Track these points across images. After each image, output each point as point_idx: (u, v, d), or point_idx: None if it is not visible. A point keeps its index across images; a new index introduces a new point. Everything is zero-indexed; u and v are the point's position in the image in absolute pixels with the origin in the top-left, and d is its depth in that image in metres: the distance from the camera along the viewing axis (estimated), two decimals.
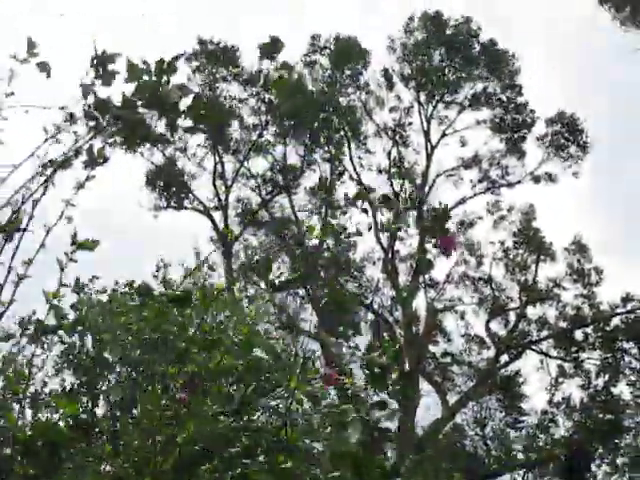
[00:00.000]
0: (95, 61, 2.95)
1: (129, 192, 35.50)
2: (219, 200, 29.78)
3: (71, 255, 4.30)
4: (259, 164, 30.52)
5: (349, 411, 3.81)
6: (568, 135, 30.82)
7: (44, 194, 3.02)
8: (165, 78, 2.99)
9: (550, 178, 30.90)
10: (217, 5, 45.68)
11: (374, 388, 3.66)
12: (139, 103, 3.02)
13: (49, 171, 3.02)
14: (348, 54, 29.83)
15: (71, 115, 2.95)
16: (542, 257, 31.26)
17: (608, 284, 30.97)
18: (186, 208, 29.91)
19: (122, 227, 32.37)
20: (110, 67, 3.01)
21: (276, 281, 3.67)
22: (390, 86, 30.91)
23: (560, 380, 31.32)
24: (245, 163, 30.07)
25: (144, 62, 2.96)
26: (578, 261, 31.25)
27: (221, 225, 29.48)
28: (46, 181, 3.00)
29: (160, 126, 28.90)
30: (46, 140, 2.96)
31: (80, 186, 3.12)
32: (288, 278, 3.68)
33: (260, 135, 29.75)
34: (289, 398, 3.67)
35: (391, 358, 3.59)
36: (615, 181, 44.29)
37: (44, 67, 3.05)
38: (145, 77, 2.99)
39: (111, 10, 39.70)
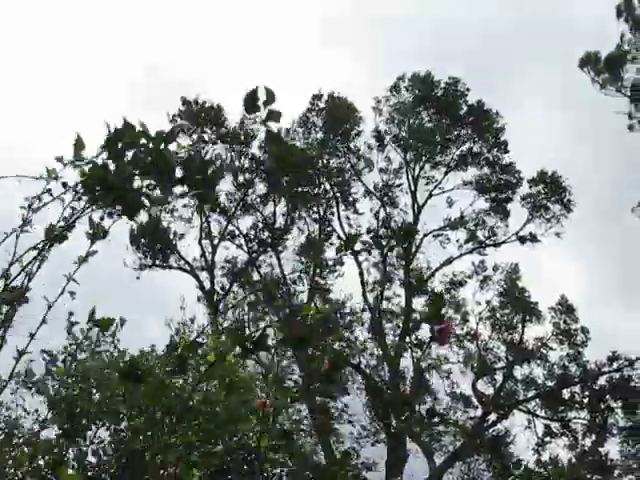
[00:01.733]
0: (108, 141, 2.91)
1: (110, 251, 35.39)
2: (205, 259, 29.81)
3: (87, 332, 4.33)
4: (246, 222, 30.68)
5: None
6: (550, 194, 31.10)
7: (39, 267, 2.98)
8: (163, 146, 2.97)
9: (534, 239, 31.12)
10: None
11: None
12: (136, 172, 2.98)
13: (42, 244, 2.97)
14: (340, 114, 30.13)
15: (64, 184, 2.94)
16: (528, 317, 31.33)
17: (595, 340, 31.10)
18: (171, 267, 29.88)
19: (106, 285, 32.19)
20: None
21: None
22: (382, 147, 31.22)
23: (547, 440, 31.21)
24: (233, 221, 30.16)
25: (142, 125, 2.94)
26: (564, 322, 31.34)
27: (207, 284, 29.47)
28: (39, 253, 2.99)
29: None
30: (30, 207, 2.96)
31: (82, 261, 3.11)
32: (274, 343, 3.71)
33: (246, 194, 29.90)
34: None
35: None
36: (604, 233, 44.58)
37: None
38: (143, 142, 2.96)
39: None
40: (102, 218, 3.07)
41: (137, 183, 2.97)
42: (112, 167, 2.92)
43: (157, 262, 29.81)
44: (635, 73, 28.38)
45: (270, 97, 2.93)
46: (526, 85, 46.95)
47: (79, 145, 2.94)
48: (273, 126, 3.02)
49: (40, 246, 2.96)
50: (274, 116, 2.95)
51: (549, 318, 31.39)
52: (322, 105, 30.90)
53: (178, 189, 3.20)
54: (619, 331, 37.57)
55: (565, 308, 31.38)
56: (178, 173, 3.09)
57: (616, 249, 44.32)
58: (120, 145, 2.90)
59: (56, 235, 2.95)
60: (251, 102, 2.93)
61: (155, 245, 29.56)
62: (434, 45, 44.32)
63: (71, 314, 11.15)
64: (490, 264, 31.71)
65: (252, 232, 30.32)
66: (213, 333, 27.52)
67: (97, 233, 3.01)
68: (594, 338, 31.10)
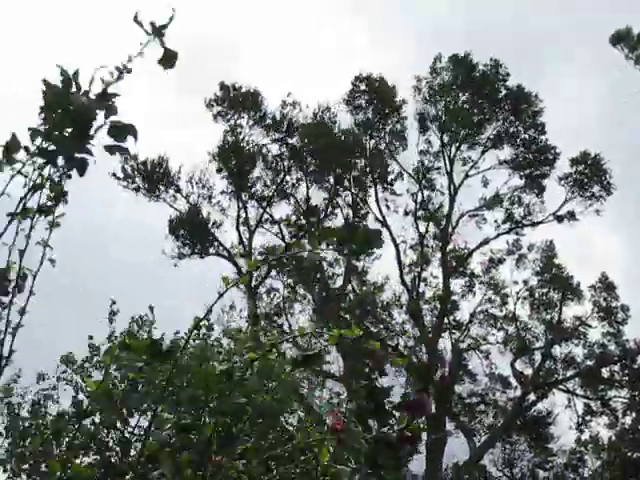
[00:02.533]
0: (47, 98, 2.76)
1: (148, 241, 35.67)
2: (243, 246, 30.02)
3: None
4: (282, 209, 30.84)
5: None
6: (591, 175, 30.89)
7: (27, 244, 2.94)
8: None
9: (572, 216, 30.95)
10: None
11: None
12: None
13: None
14: (383, 96, 30.12)
15: (26, 148, 2.79)
16: (567, 295, 31.20)
17: (635, 321, 30.89)
18: (210, 254, 30.11)
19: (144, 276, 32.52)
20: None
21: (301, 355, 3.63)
22: (424, 129, 31.22)
23: (587, 419, 31.15)
24: (268, 208, 30.35)
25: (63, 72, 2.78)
26: (604, 299, 31.16)
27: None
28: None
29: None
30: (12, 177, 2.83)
31: (53, 225, 3.04)
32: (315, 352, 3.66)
33: (283, 180, 30.04)
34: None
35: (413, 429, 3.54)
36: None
37: None
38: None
39: None
40: (60, 177, 2.89)
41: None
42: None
43: (196, 250, 30.05)
44: None
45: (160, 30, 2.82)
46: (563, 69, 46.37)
47: (13, 147, 2.80)
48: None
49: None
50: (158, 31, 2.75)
51: (589, 296, 31.20)
52: (363, 87, 30.88)
53: None
54: None
55: (605, 286, 31.17)
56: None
57: None
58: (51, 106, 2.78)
59: (40, 208, 2.93)
60: (168, 58, 2.84)
61: (194, 234, 29.77)
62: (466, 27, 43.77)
63: (113, 302, 11.17)
64: (526, 243, 31.66)
65: (291, 217, 30.43)
66: (251, 318, 27.78)
67: (57, 194, 2.97)
68: (635, 316, 30.91)
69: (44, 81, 2.74)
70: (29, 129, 2.77)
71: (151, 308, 14.04)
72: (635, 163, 36.43)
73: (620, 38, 28.66)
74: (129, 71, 2.78)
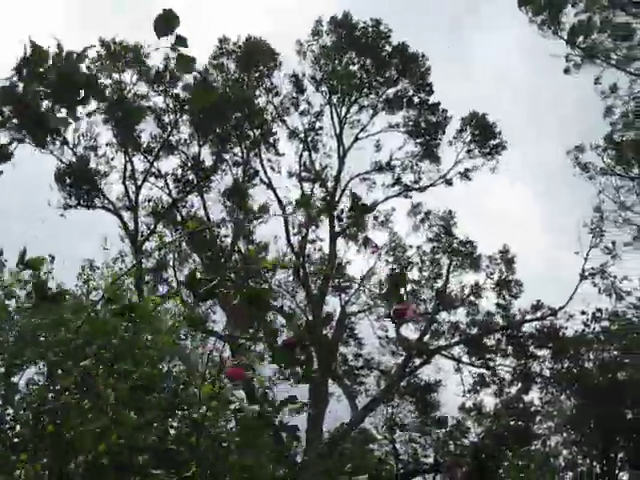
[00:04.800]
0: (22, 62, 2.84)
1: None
2: (129, 199, 29.72)
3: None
4: (169, 164, 30.52)
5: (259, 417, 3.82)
6: (481, 135, 31.00)
7: None
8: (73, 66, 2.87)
9: (466, 176, 31.08)
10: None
11: (279, 364, 3.59)
12: (41, 90, 2.90)
13: None
14: (257, 55, 29.91)
15: None
16: (459, 263, 31.30)
17: (527, 293, 31.05)
18: (96, 207, 29.76)
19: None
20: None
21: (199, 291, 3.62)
22: (300, 90, 31.06)
23: (477, 387, 31.36)
24: (155, 162, 30.04)
25: (58, 45, 2.87)
26: (500, 271, 31.28)
27: (130, 224, 29.38)
28: None
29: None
30: None
31: None
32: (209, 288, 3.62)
33: (170, 133, 29.75)
34: (202, 406, 3.63)
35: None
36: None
37: None
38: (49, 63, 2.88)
39: None
40: (10, 142, 2.99)
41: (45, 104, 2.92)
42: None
43: (81, 202, 29.69)
44: (574, 16, 28.09)
45: (175, 21, 2.90)
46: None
47: None
48: (183, 51, 2.99)
49: None
50: (182, 41, 2.94)
51: (484, 266, 31.32)
52: (231, 48, 30.59)
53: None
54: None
55: (504, 258, 31.24)
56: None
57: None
58: (29, 67, 2.84)
59: None
60: (162, 25, 2.89)
61: (80, 184, 29.41)
62: None
63: (0, 253, 11.15)
64: (424, 208, 31.65)
65: (177, 172, 30.19)
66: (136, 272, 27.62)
67: (2, 154, 2.94)
68: (527, 288, 31.12)
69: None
70: None
71: (52, 257, 13.97)
72: None
73: (527, 1, 28.59)
74: None
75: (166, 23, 2.95)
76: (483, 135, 30.84)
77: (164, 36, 2.92)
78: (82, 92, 2.95)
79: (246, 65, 30.02)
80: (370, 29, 30.45)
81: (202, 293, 3.63)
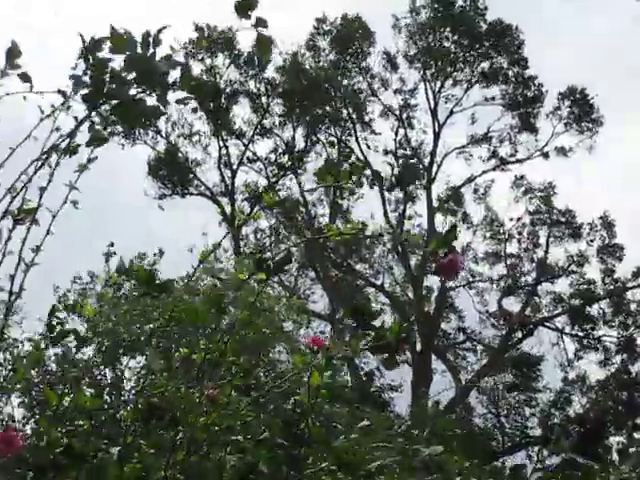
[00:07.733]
0: (85, 50, 2.82)
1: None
2: (225, 185, 29.85)
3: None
4: (264, 147, 30.53)
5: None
6: (580, 110, 30.35)
7: (50, 181, 2.97)
8: (152, 50, 2.85)
9: (563, 152, 30.53)
10: None
11: (385, 367, 3.53)
12: (130, 78, 2.87)
13: (53, 157, 2.93)
14: (353, 35, 29.62)
15: (64, 94, 2.85)
16: (564, 234, 30.79)
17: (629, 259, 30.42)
18: (191, 194, 29.95)
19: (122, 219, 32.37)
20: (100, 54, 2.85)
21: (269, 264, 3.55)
22: (394, 67, 30.71)
23: (579, 356, 30.99)
24: (250, 146, 30.06)
25: (126, 33, 2.81)
26: (601, 238, 30.73)
27: (229, 210, 29.48)
28: (44, 165, 2.94)
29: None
30: (42, 120, 2.87)
31: (83, 168, 3.09)
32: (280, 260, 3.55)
33: (263, 117, 29.72)
34: (309, 392, 3.56)
35: (396, 333, 3.42)
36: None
37: (26, 78, 2.89)
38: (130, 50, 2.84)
39: None
40: (105, 128, 2.95)
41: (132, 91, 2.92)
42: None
43: (176, 190, 29.89)
44: None
45: (254, 2, 2.84)
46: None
47: (14, 53, 2.90)
48: (264, 32, 2.95)
49: (45, 158, 2.96)
50: (262, 22, 2.88)
51: (585, 235, 30.81)
52: (328, 28, 30.30)
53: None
54: None
55: (605, 224, 30.68)
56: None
57: None
58: (101, 54, 2.84)
59: (67, 148, 2.95)
60: (243, 6, 2.84)
61: (174, 173, 29.61)
62: None
63: (112, 244, 11.69)
64: (525, 181, 31.18)
65: (271, 156, 30.21)
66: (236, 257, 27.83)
67: (97, 138, 2.97)
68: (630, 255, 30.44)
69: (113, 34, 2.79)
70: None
71: (161, 252, 14.29)
72: None
73: None
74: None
75: (246, 4, 2.82)
76: (583, 110, 30.20)
77: (246, 18, 2.85)
78: (172, 79, 2.96)
79: (342, 45, 29.74)
80: (468, 6, 29.91)
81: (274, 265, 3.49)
